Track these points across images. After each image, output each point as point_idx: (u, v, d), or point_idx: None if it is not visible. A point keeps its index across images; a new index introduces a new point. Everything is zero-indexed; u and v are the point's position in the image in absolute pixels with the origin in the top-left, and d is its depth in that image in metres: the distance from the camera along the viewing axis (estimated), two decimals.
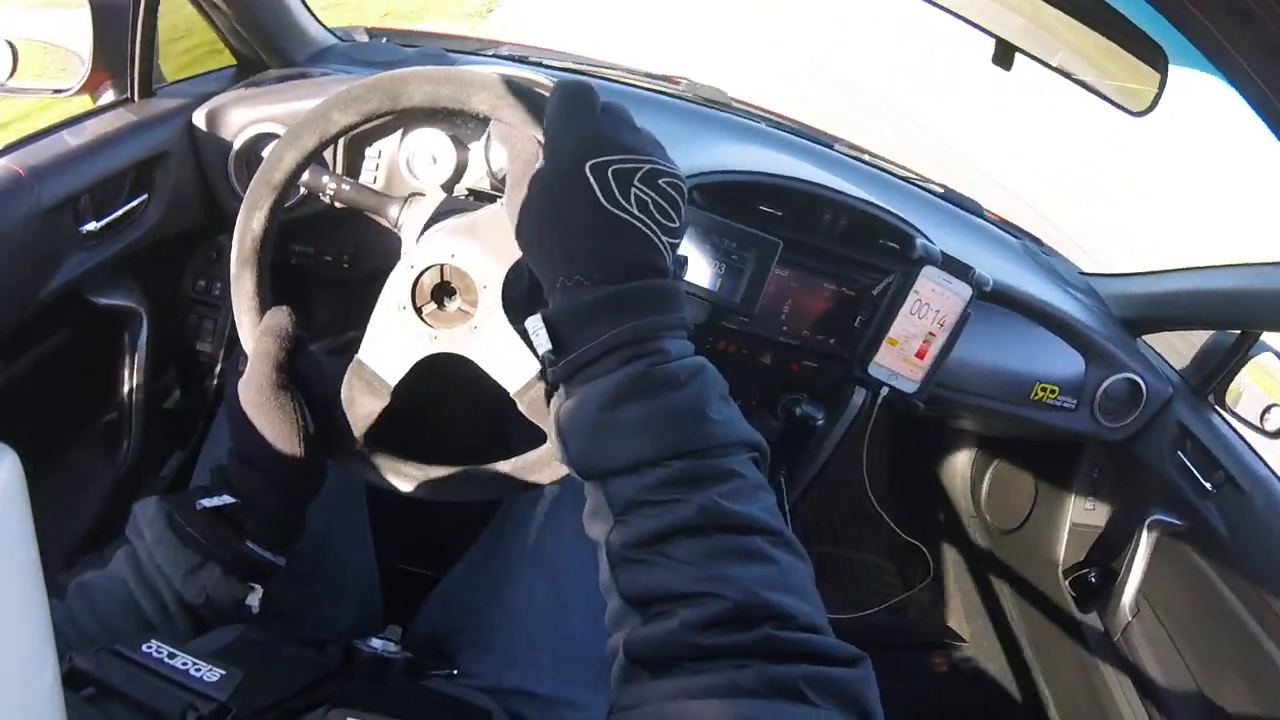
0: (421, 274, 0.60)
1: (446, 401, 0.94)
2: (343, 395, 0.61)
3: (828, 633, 0.40)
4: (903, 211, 0.91)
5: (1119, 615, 1.20)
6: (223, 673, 0.43)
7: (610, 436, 0.44)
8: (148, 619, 0.55)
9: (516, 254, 0.58)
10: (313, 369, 0.61)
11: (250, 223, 0.59)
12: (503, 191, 0.85)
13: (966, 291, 0.84)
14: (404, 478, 0.64)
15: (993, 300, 1.00)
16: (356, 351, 0.61)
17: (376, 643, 0.66)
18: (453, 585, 0.78)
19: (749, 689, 0.36)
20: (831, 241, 0.89)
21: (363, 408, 0.61)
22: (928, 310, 0.83)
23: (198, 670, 0.43)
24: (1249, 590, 1.04)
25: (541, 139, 0.50)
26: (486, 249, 0.59)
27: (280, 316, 0.58)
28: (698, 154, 0.89)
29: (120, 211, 0.86)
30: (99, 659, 0.41)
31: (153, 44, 0.90)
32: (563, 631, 0.70)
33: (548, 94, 0.50)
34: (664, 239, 0.47)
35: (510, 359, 0.59)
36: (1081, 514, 1.31)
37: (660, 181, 0.47)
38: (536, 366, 0.58)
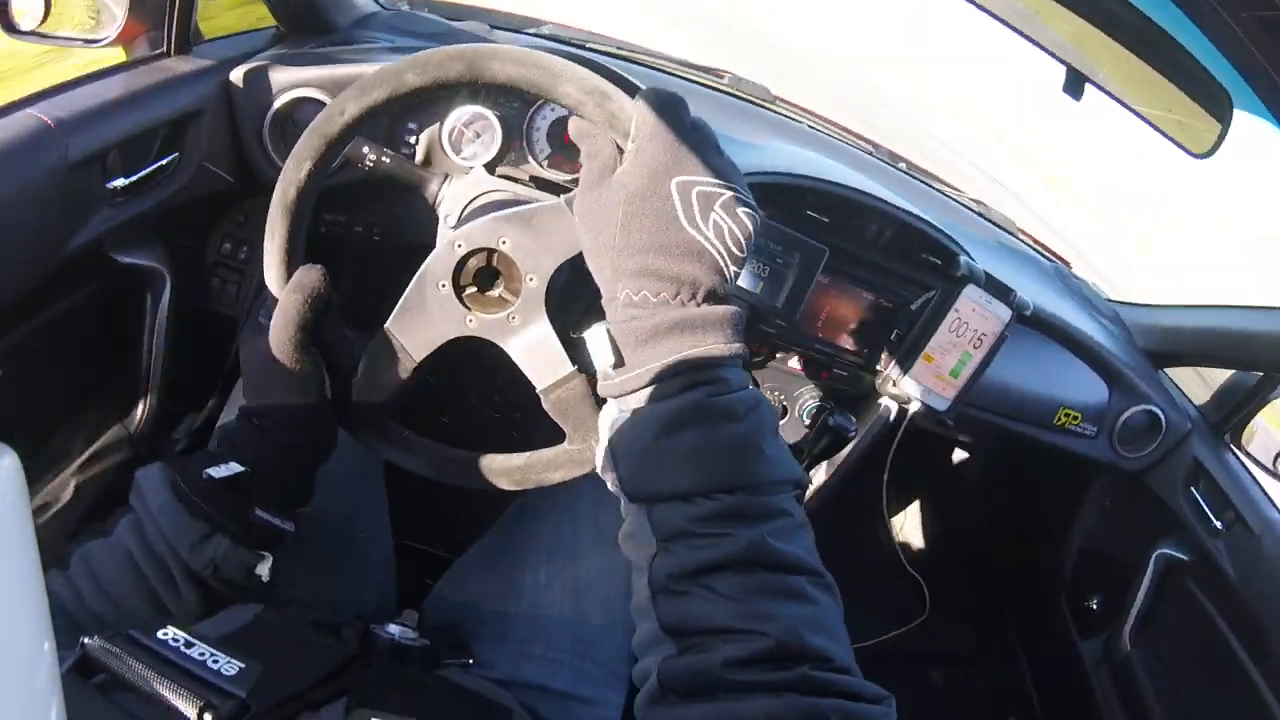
0: (468, 255, 0.58)
1: (470, 385, 0.92)
2: (364, 363, 0.60)
3: (858, 674, 0.41)
4: (942, 226, 0.90)
5: (1119, 644, 1.20)
6: (241, 666, 0.41)
7: (664, 462, 0.44)
8: (153, 589, 0.54)
9: (569, 252, 0.57)
10: (337, 333, 0.59)
11: (298, 172, 0.57)
12: (560, 181, 0.85)
13: (1006, 314, 0.83)
14: (415, 456, 0.63)
15: (1037, 328, 0.99)
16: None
17: (394, 628, 0.65)
18: (467, 570, 0.78)
19: (783, 716, 0.37)
20: (875, 252, 0.88)
21: (383, 379, 0.60)
22: (966, 329, 0.83)
23: (215, 662, 0.41)
24: (1251, 633, 1.04)
25: (622, 144, 0.49)
26: (540, 242, 0.57)
27: (313, 275, 0.56)
28: (747, 152, 0.87)
29: (149, 169, 0.83)
30: (112, 644, 0.39)
31: None
32: (580, 631, 0.70)
33: (634, 98, 0.49)
34: (731, 268, 0.48)
35: (543, 355, 0.59)
36: (1089, 540, 1.31)
37: (739, 211, 0.47)
38: (569, 367, 0.58)
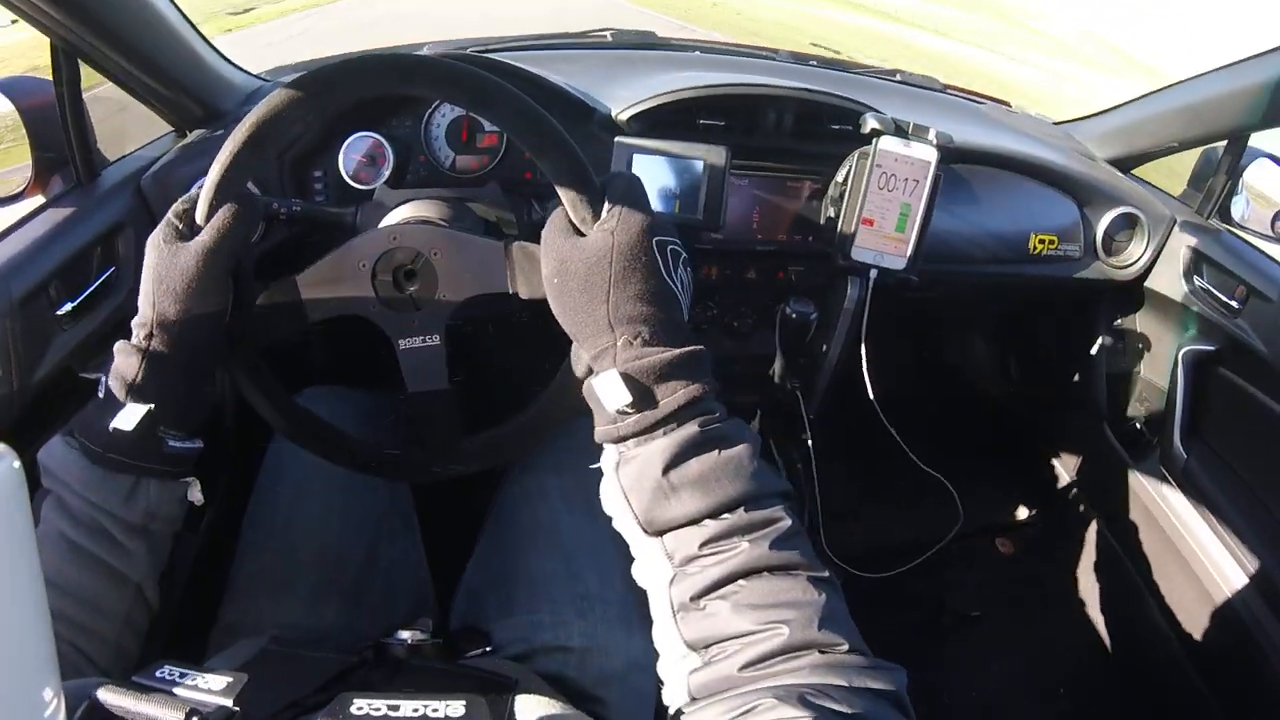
0: (397, 249, 0.61)
1: (361, 362, 0.94)
2: (260, 303, 0.61)
3: (868, 654, 0.44)
4: (855, 97, 0.89)
5: (1174, 456, 1.16)
6: (228, 679, 0.43)
7: (673, 494, 0.48)
8: (101, 559, 0.54)
9: (486, 289, 0.61)
10: (248, 270, 0.61)
11: (270, 108, 0.54)
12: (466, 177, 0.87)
13: (931, 153, 0.81)
14: (269, 408, 0.65)
15: (972, 160, 0.97)
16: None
17: (405, 634, 0.66)
18: (471, 573, 0.81)
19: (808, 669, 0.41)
20: (783, 139, 0.87)
21: (271, 327, 0.61)
22: (896, 181, 0.81)
23: (205, 682, 0.44)
24: None
25: (575, 221, 0.54)
26: (467, 268, 0.61)
27: (254, 204, 0.57)
28: (627, 89, 0.87)
29: (93, 288, 0.87)
30: (115, 690, 0.41)
31: (85, 129, 0.91)
32: (579, 589, 0.73)
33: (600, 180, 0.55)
34: (687, 316, 0.55)
35: (424, 365, 0.62)
36: (1115, 365, 1.27)
37: (688, 270, 0.56)
38: (445, 384, 0.62)
